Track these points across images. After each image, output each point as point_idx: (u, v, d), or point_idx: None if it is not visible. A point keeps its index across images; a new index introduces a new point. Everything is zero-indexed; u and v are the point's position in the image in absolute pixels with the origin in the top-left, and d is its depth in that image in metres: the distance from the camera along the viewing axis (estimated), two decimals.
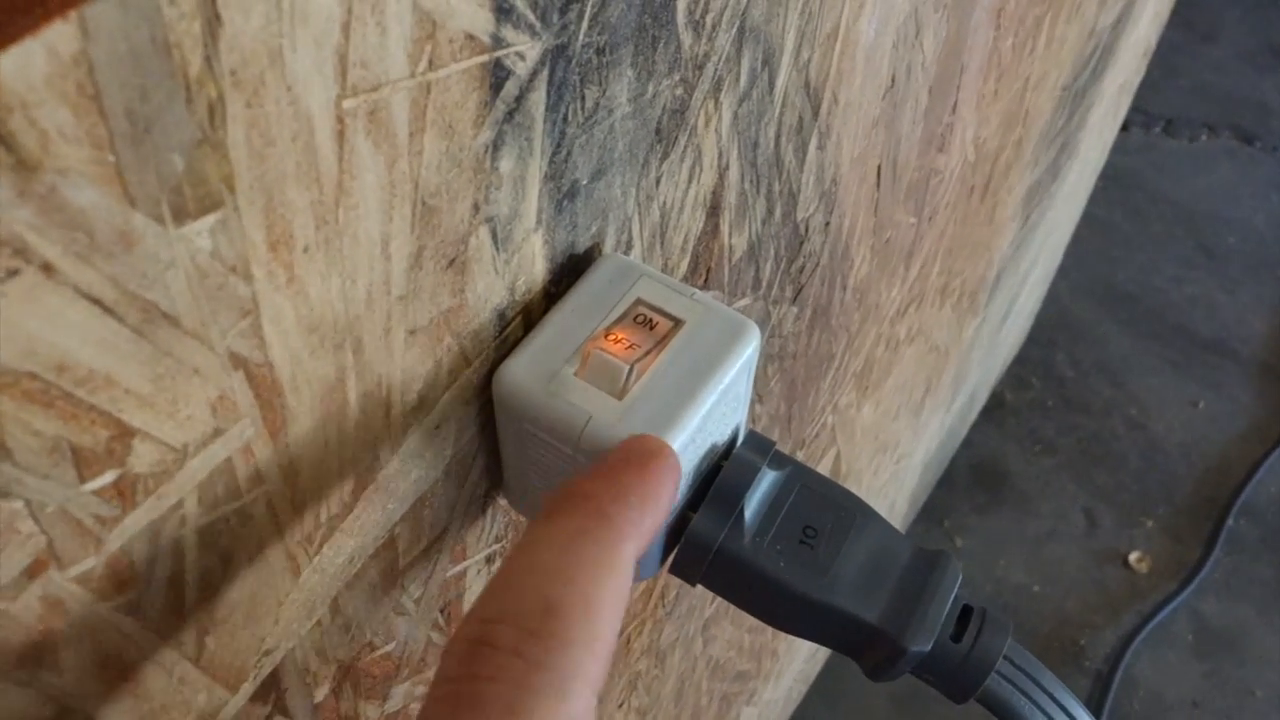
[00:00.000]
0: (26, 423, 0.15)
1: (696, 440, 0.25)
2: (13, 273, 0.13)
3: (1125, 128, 1.81)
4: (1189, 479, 1.46)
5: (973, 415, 1.39)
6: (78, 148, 0.13)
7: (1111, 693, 1.24)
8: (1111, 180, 1.71)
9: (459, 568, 0.29)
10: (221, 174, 0.15)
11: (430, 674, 0.30)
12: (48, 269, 0.14)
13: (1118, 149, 1.55)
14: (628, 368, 0.24)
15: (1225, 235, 1.71)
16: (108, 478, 0.16)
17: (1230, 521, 1.39)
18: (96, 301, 0.15)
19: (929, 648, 0.25)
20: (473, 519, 0.28)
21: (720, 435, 0.26)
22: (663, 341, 0.25)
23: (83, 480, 0.16)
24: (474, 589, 0.30)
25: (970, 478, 1.42)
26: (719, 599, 0.59)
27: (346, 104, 0.17)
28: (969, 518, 1.38)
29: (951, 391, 1.02)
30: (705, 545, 0.25)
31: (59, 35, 0.12)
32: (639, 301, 0.25)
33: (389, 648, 0.27)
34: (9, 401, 0.14)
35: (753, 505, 0.26)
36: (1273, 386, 1.54)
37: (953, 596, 0.25)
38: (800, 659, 0.98)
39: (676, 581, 0.49)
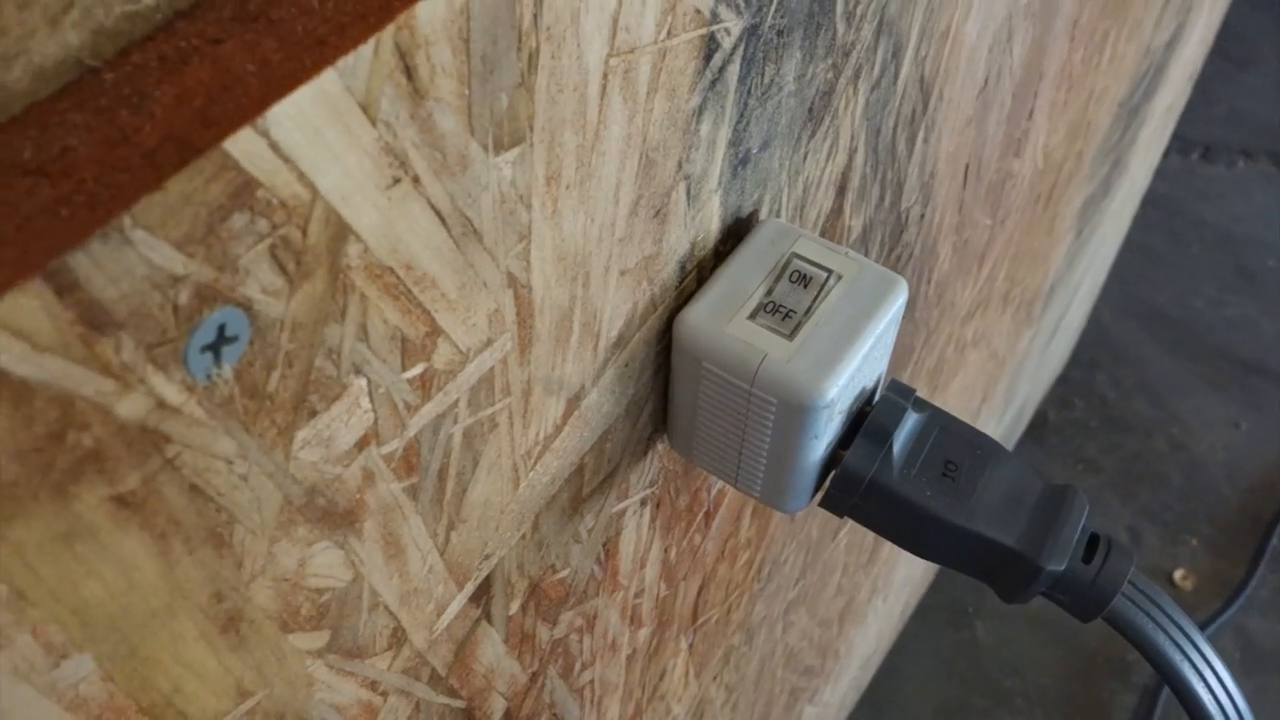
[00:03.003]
0: (382, 311, 0.18)
1: (853, 381, 0.28)
2: (396, 181, 0.17)
3: (1164, 154, 1.83)
4: (1232, 498, 1.47)
5: (1018, 432, 1.41)
6: (450, 81, 0.17)
7: (1158, 709, 1.25)
8: (1151, 205, 1.73)
9: (621, 505, 0.32)
10: (527, 114, 0.19)
11: (587, 606, 0.33)
12: (416, 180, 0.17)
13: (1157, 174, 1.57)
14: (797, 313, 0.27)
15: (1265, 258, 1.73)
16: (418, 369, 0.19)
17: (1274, 540, 1.40)
18: (438, 212, 0.18)
19: (1063, 568, 0.27)
20: (637, 460, 0.31)
21: (869, 380, 0.29)
22: (824, 292, 0.28)
23: (404, 369, 0.19)
24: (629, 528, 0.33)
25: None
26: (800, 583, 0.61)
27: (612, 61, 0.20)
28: None
29: (1004, 403, 1.05)
30: (859, 477, 0.28)
31: None
32: (801, 257, 0.28)
33: (564, 573, 0.30)
34: (376, 291, 0.17)
35: (899, 442, 0.29)
36: None
37: (1082, 524, 0.28)
38: (856, 664, 1.00)
39: (771, 555, 0.51)
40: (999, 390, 0.97)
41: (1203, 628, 1.31)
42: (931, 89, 0.38)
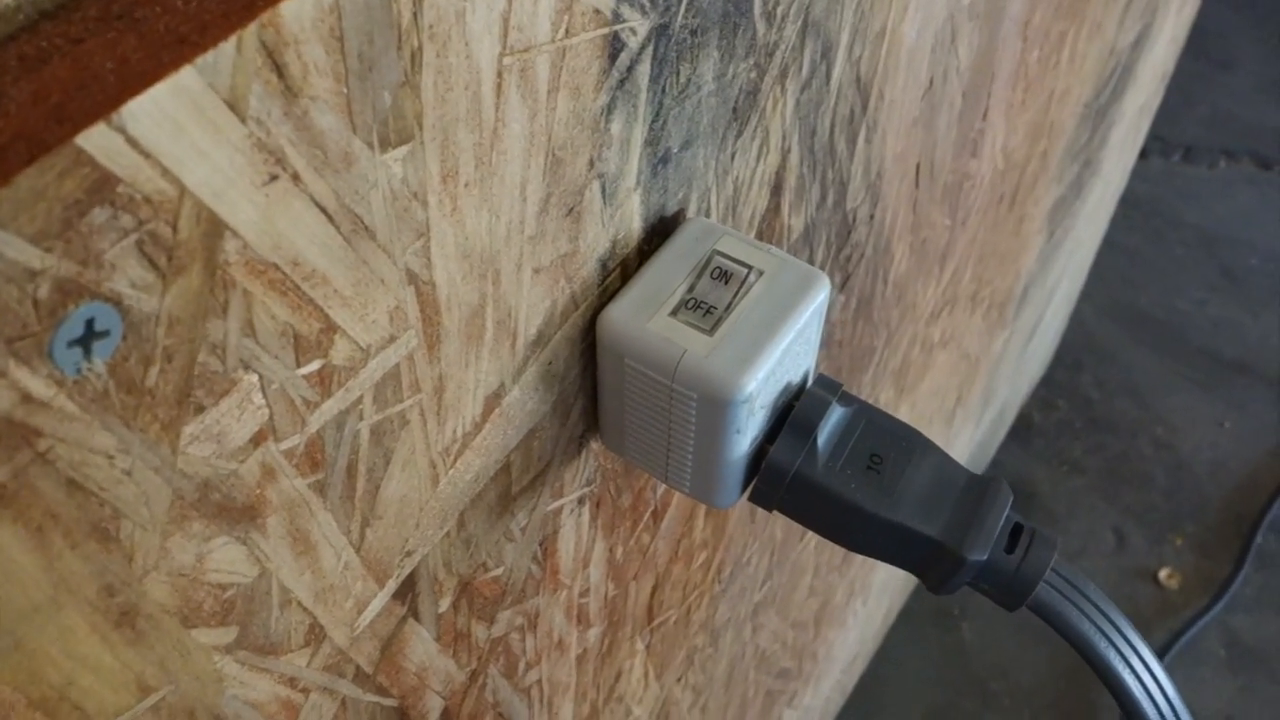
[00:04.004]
0: (268, 307, 0.18)
1: (775, 375, 0.28)
2: (273, 178, 0.17)
3: (1144, 155, 1.84)
4: (1217, 497, 1.47)
5: (1001, 435, 1.41)
6: (325, 79, 0.17)
7: None
8: (1132, 206, 1.74)
9: (557, 503, 0.32)
10: (414, 111, 0.19)
11: (528, 605, 0.33)
12: (296, 177, 0.17)
13: (1138, 176, 1.58)
14: (717, 309, 0.27)
15: (1247, 258, 1.73)
16: (314, 365, 0.20)
17: (1259, 538, 1.40)
18: (323, 209, 0.18)
19: (985, 557, 0.28)
20: (570, 458, 0.31)
21: (794, 375, 0.29)
22: (744, 288, 0.28)
23: (298, 365, 0.19)
24: (568, 527, 0.33)
25: None
26: (767, 584, 0.62)
27: (505, 60, 0.20)
28: None
29: (981, 404, 1.05)
30: (783, 470, 0.28)
31: None
32: (723, 254, 0.28)
33: (498, 571, 0.30)
34: (260, 287, 0.18)
35: (824, 436, 0.29)
36: None
37: (1005, 514, 0.28)
38: (838, 667, 1.00)
39: (731, 556, 0.52)
40: (974, 392, 0.97)
41: (1188, 626, 1.32)
42: (870, 89, 0.39)
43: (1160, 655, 1.29)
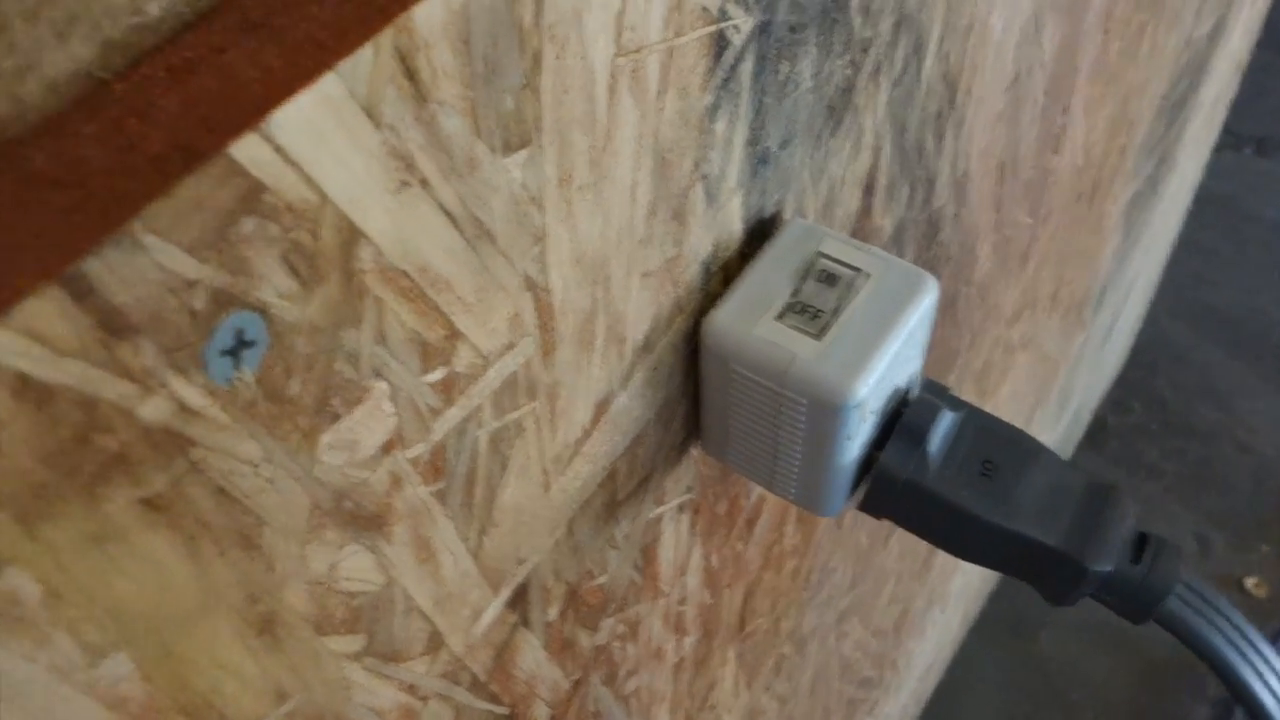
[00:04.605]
0: (398, 314, 0.18)
1: (884, 380, 0.27)
2: (404, 184, 0.17)
3: (1216, 150, 1.79)
4: None
5: (1076, 438, 1.38)
6: (452, 83, 0.17)
7: None
8: (1205, 203, 1.70)
9: (658, 511, 0.32)
10: (534, 115, 0.19)
11: (629, 612, 0.33)
12: (424, 183, 0.17)
13: (1210, 172, 1.54)
14: (825, 313, 0.27)
15: None
16: (439, 373, 0.20)
17: None
18: (450, 215, 0.18)
19: (1111, 568, 0.27)
20: (672, 465, 0.31)
21: (902, 379, 0.29)
22: (852, 291, 0.28)
23: (424, 372, 0.19)
24: (667, 534, 0.33)
25: None
26: (853, 592, 0.61)
27: (618, 61, 0.20)
28: None
29: (1058, 407, 1.03)
30: (895, 478, 0.28)
31: None
32: (828, 256, 0.28)
33: (602, 579, 0.30)
34: (391, 294, 0.18)
35: (935, 441, 0.28)
36: None
37: (1129, 522, 0.28)
38: (915, 675, 0.98)
39: (819, 563, 0.51)
40: (1052, 394, 0.95)
41: (1279, 635, 1.27)
42: (957, 84, 0.38)
43: None
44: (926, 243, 0.43)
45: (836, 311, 0.27)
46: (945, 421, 0.29)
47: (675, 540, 0.34)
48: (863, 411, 0.27)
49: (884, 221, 0.38)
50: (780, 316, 0.27)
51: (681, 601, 0.36)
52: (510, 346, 0.21)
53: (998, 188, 0.49)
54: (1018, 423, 0.86)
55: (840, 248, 0.28)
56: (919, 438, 0.28)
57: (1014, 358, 0.72)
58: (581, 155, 0.21)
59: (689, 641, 0.39)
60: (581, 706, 0.33)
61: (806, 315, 0.27)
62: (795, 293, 0.28)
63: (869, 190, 0.35)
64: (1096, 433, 1.47)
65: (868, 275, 0.28)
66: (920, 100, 0.35)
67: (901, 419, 0.29)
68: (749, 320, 0.27)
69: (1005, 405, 0.77)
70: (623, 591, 0.32)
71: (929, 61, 0.34)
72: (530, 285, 0.21)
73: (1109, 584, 0.28)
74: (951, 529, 0.28)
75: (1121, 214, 0.83)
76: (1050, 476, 0.28)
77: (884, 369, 0.27)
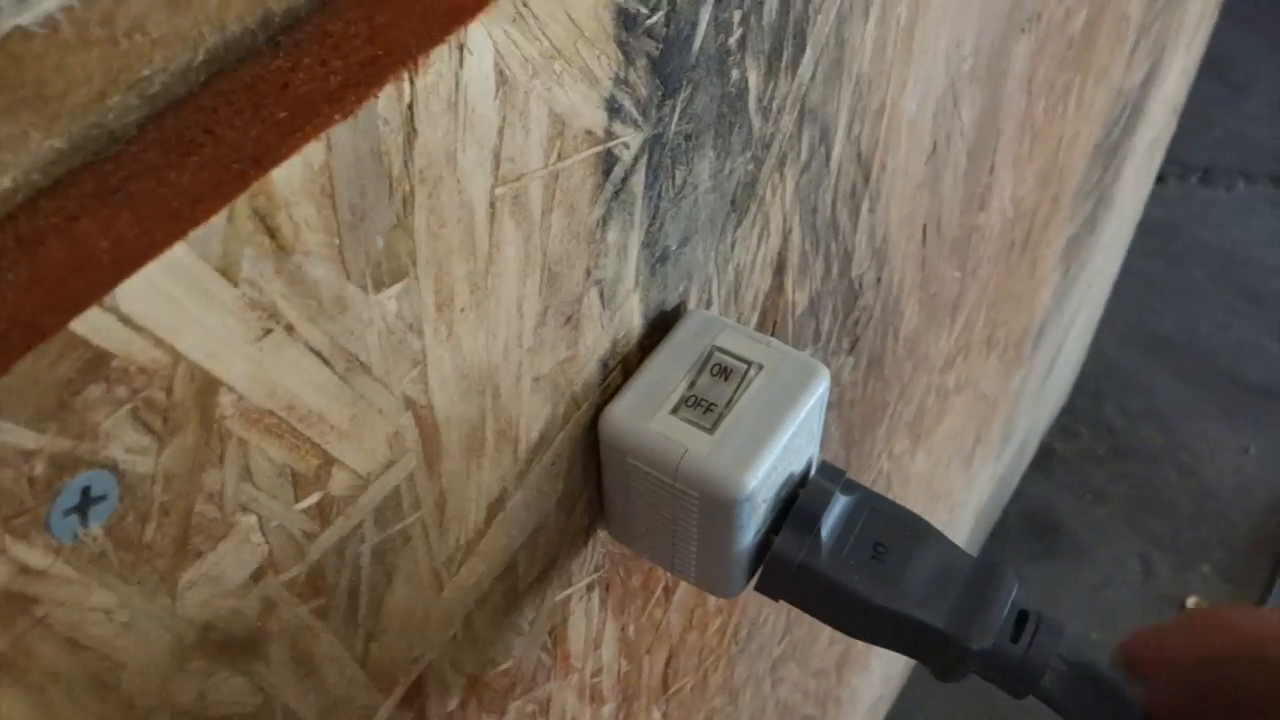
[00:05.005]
0: (265, 451, 0.18)
1: (777, 470, 0.28)
2: (267, 331, 0.17)
3: (1161, 179, 1.83)
4: (1243, 523, 1.45)
5: (1023, 465, 1.40)
6: (317, 234, 0.17)
7: None
8: (1150, 231, 1.73)
9: (565, 593, 0.32)
10: (407, 250, 0.19)
11: (539, 692, 0.33)
12: (290, 329, 0.18)
13: (1155, 200, 1.57)
14: (718, 406, 0.27)
15: (1269, 280, 1.72)
16: (314, 499, 0.20)
17: None
18: (318, 354, 0.18)
19: (990, 645, 0.28)
20: (577, 549, 0.31)
21: (796, 465, 0.29)
22: (745, 384, 0.28)
23: (296, 500, 0.20)
24: (577, 614, 0.33)
25: (1024, 527, 1.43)
26: (786, 639, 0.61)
27: (498, 191, 0.21)
28: (1024, 567, 1.38)
29: (1001, 441, 1.04)
30: (788, 562, 0.29)
31: (313, 151, 0.16)
32: (722, 350, 0.29)
33: (507, 664, 0.30)
34: (256, 434, 0.18)
35: (828, 526, 0.29)
36: None
37: (1010, 602, 0.28)
38: (863, 709, 0.99)
39: (748, 618, 0.51)
40: (993, 430, 0.97)
41: None
42: (871, 162, 0.39)
43: None
44: (846, 308, 0.44)
45: (730, 404, 0.28)
46: (838, 506, 0.29)
47: (586, 618, 0.34)
48: (754, 503, 0.27)
49: (798, 296, 0.38)
50: (675, 410, 0.28)
51: (596, 674, 0.37)
52: (390, 464, 0.22)
53: (921, 249, 0.50)
54: (957, 460, 0.88)
55: (735, 339, 0.29)
56: (812, 523, 0.29)
57: (949, 401, 0.73)
58: (461, 281, 0.21)
59: (608, 709, 0.39)
60: None
61: (700, 409, 0.28)
62: (691, 385, 0.28)
63: (779, 270, 0.36)
64: (1043, 459, 1.49)
65: (760, 366, 0.28)
66: (832, 182, 0.36)
67: (795, 505, 0.29)
68: (644, 414, 0.28)
69: (943, 445, 0.79)
70: (531, 673, 0.32)
71: (838, 148, 0.35)
72: (410, 405, 0.21)
73: (989, 662, 0.28)
74: (843, 611, 0.29)
75: (1058, 256, 0.85)
76: (939, 557, 0.29)
77: (774, 460, 0.27)
